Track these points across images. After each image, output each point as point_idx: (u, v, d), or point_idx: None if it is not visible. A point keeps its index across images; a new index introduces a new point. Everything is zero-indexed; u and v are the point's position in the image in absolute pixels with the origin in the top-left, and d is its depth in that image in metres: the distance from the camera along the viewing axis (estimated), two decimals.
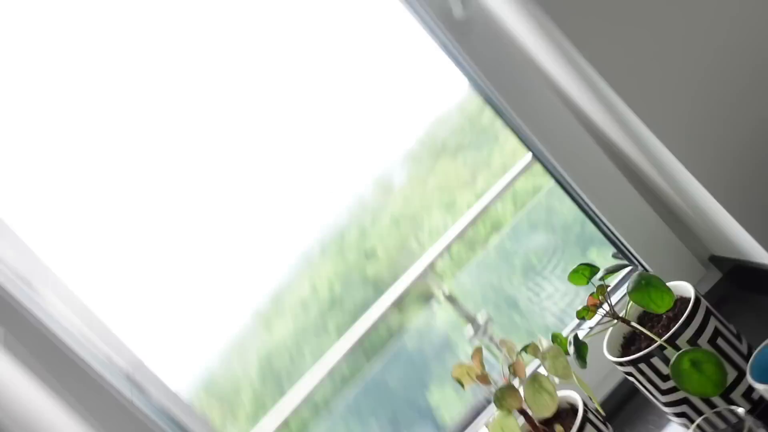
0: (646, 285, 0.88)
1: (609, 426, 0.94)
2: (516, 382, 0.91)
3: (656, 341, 0.88)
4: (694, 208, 1.07)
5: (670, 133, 0.98)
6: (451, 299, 2.26)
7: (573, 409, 0.94)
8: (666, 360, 0.88)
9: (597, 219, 1.15)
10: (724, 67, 0.97)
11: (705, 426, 0.83)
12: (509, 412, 0.88)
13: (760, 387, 0.79)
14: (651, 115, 0.98)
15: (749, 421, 0.79)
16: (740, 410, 0.82)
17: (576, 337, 0.92)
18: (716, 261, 1.15)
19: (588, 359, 0.95)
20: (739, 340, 0.92)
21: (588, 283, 0.97)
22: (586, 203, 1.13)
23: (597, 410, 0.94)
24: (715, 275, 1.14)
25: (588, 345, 0.93)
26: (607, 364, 1.00)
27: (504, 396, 0.88)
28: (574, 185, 1.12)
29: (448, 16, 1.02)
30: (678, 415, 0.92)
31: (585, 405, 0.93)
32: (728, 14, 0.96)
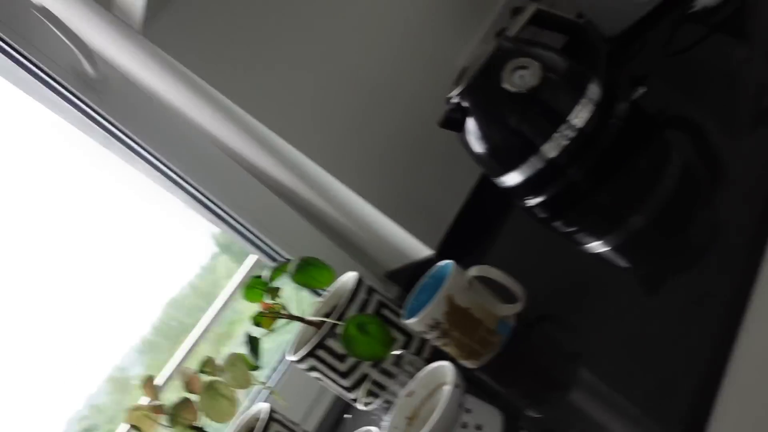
0: (306, 265, 0.91)
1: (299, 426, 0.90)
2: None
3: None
4: (361, 225, 1.15)
5: (322, 153, 1.07)
6: None
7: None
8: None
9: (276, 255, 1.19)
10: (354, 85, 1.11)
11: (381, 393, 0.83)
12: (186, 427, 0.81)
13: (408, 321, 0.83)
14: (304, 143, 1.06)
15: (407, 356, 0.82)
16: (398, 351, 0.85)
17: (249, 334, 0.90)
18: (392, 276, 1.22)
19: (296, 381, 0.93)
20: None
21: (264, 296, 0.97)
22: (266, 245, 1.17)
23: (286, 417, 0.90)
24: (395, 290, 1.21)
25: (261, 340, 0.90)
26: (317, 387, 0.98)
27: (178, 411, 0.81)
28: (250, 228, 1.16)
29: (82, 76, 1.05)
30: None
31: (273, 411, 0.88)
32: (355, 44, 1.12)
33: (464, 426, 0.69)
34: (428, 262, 1.12)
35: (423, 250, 1.12)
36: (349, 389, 0.92)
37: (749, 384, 0.56)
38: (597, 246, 0.88)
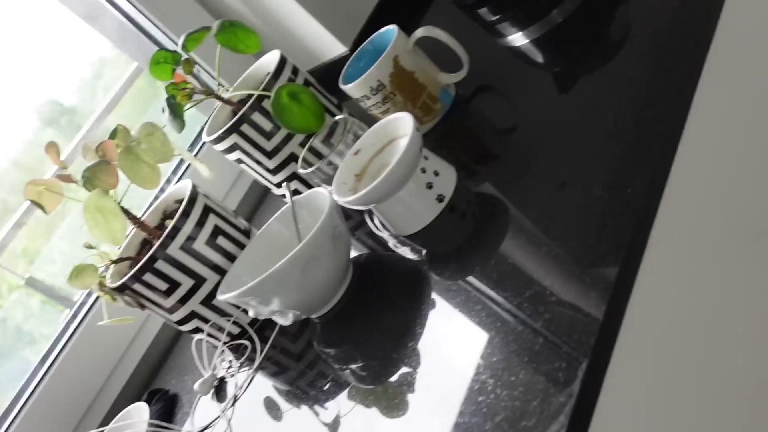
0: (230, 26, 0.82)
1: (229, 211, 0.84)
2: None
3: (253, 95, 0.83)
4: (266, 17, 1.06)
5: None
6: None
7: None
8: (267, 114, 0.83)
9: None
10: None
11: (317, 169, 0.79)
12: (104, 191, 0.72)
13: (348, 85, 0.79)
14: None
15: (349, 120, 0.78)
16: (340, 116, 0.80)
17: (168, 98, 0.81)
18: None
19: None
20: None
21: (173, 74, 0.87)
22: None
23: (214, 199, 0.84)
24: None
25: (182, 107, 0.82)
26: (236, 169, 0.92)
27: (96, 173, 0.72)
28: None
29: None
30: (289, 179, 0.87)
31: (196, 189, 0.81)
32: None
33: (423, 171, 0.68)
34: (339, 62, 1.07)
35: (335, 48, 1.06)
36: (273, 171, 0.87)
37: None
38: (518, 38, 0.87)
